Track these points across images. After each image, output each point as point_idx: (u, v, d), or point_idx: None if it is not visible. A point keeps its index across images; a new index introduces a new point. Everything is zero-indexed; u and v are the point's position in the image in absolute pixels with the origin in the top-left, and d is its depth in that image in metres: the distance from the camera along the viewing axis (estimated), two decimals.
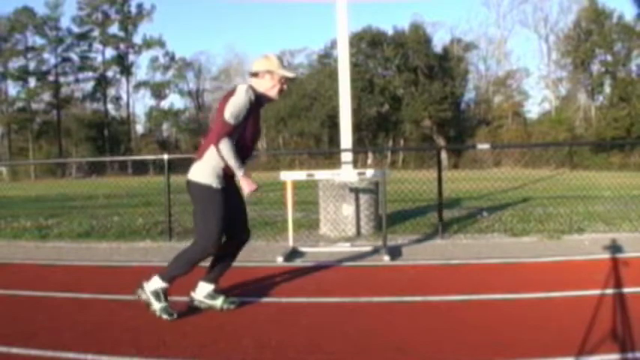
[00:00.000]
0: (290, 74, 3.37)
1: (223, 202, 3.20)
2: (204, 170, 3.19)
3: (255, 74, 3.33)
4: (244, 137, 3.22)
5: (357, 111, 33.48)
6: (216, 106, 3.33)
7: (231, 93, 3.21)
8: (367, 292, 3.74)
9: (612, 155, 32.92)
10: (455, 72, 46.66)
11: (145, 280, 3.29)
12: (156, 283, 3.25)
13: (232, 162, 3.12)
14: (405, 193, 8.03)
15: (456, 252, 5.26)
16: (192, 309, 3.48)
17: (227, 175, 3.23)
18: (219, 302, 3.40)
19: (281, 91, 3.36)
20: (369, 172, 5.59)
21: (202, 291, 3.44)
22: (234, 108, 3.12)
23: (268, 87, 3.31)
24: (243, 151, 3.25)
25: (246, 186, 3.17)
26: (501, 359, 2.49)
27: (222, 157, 3.13)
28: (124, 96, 54.28)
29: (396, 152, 44.18)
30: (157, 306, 3.21)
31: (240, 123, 3.15)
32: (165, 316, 3.17)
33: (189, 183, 3.25)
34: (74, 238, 6.82)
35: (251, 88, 3.23)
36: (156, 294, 3.23)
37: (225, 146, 3.09)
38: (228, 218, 3.25)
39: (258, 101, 3.28)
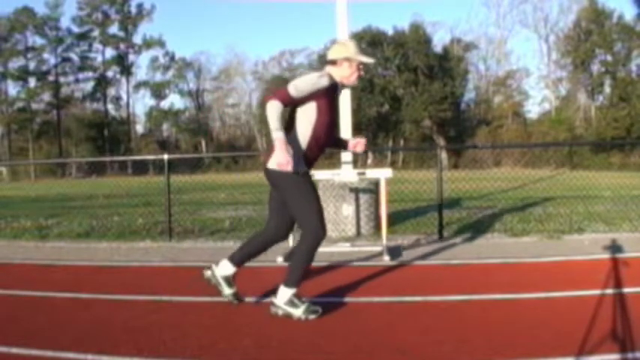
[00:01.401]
0: (368, 60, 3.28)
1: (311, 184, 3.18)
2: None
3: (332, 62, 3.24)
4: (318, 127, 3.14)
5: (357, 111, 33.49)
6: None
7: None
8: (367, 292, 3.75)
9: (612, 155, 32.92)
10: (455, 72, 46.65)
11: (274, 296, 3.22)
12: (286, 293, 3.17)
13: (274, 123, 2.95)
14: (405, 193, 8.03)
15: (456, 252, 5.26)
16: (191, 309, 3.49)
17: (307, 162, 3.19)
18: (228, 291, 3.37)
19: (359, 77, 3.29)
20: (380, 172, 5.56)
21: (222, 269, 3.40)
22: (299, 81, 3.07)
23: (346, 74, 3.24)
24: (318, 143, 3.19)
25: (281, 156, 2.92)
26: (501, 359, 2.50)
27: (267, 115, 2.99)
28: (124, 96, 54.31)
29: (396, 152, 44.18)
30: (298, 312, 3.13)
31: (302, 100, 3.05)
32: (312, 316, 3.12)
33: (269, 172, 3.16)
34: (74, 238, 6.83)
35: (328, 75, 3.14)
36: (291, 303, 3.16)
37: (274, 106, 2.96)
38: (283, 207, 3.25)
39: (334, 87, 3.20)
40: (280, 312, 3.17)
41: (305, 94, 3.03)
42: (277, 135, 2.94)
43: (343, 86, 3.32)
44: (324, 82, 3.07)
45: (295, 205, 3.13)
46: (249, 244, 3.40)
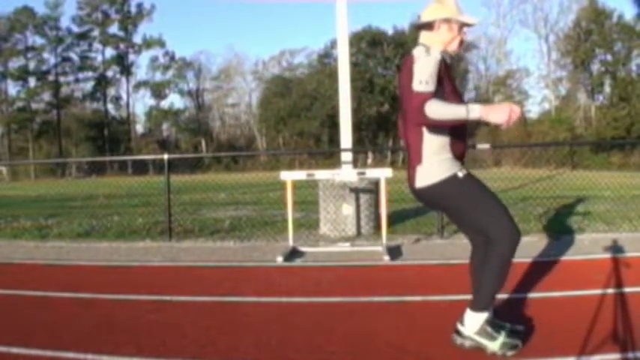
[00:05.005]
0: (472, 20, 2.63)
1: (478, 181, 2.56)
2: (435, 168, 2.50)
3: (427, 26, 2.58)
4: None
5: (357, 111, 33.49)
6: (399, 85, 2.61)
7: (409, 62, 2.47)
8: (367, 292, 3.74)
9: (612, 155, 32.88)
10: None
11: (459, 323, 2.56)
12: (475, 320, 2.51)
13: (453, 110, 2.29)
14: (405, 193, 8.01)
15: (456, 252, 5.25)
16: (191, 309, 3.48)
17: (458, 158, 2.56)
18: (495, 344, 2.53)
19: (462, 42, 2.63)
20: (380, 172, 5.60)
21: (471, 324, 2.58)
22: (418, 73, 2.36)
23: (447, 40, 2.57)
24: (459, 131, 2.54)
25: (500, 115, 2.28)
26: (501, 359, 2.49)
27: (439, 122, 2.33)
28: (124, 96, 54.29)
29: (396, 152, 44.14)
30: (494, 346, 2.48)
31: (439, 91, 2.39)
32: (510, 352, 2.47)
33: (422, 192, 2.56)
34: (74, 238, 6.82)
35: (425, 46, 2.51)
36: (484, 333, 2.50)
37: (434, 108, 2.28)
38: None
39: (445, 61, 2.51)
40: (468, 344, 2.52)
41: (435, 80, 2.38)
42: (472, 108, 2.30)
43: (450, 57, 2.61)
44: (437, 54, 2.43)
45: (474, 213, 2.51)
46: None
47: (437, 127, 2.46)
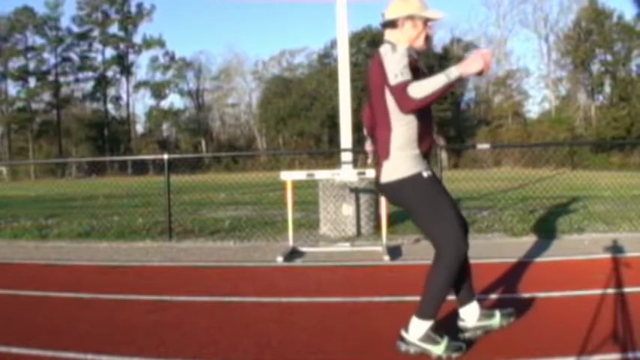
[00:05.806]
0: (436, 15, 2.60)
1: (442, 188, 2.62)
2: (401, 163, 2.52)
3: (391, 24, 2.58)
4: (420, 114, 2.50)
5: (357, 111, 33.42)
6: (367, 82, 2.62)
7: (376, 59, 2.50)
8: (367, 292, 3.74)
9: (612, 155, 32.90)
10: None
11: (403, 330, 2.56)
12: (420, 327, 2.52)
13: (438, 82, 2.32)
14: None
15: None
16: (191, 309, 3.48)
17: (424, 156, 2.59)
18: (497, 319, 2.70)
19: (427, 37, 2.62)
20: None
21: (472, 315, 2.70)
22: (394, 67, 2.37)
23: (412, 37, 2.56)
24: (427, 129, 2.57)
25: (475, 64, 2.31)
26: (501, 359, 2.49)
27: (427, 99, 2.31)
28: (124, 96, 54.32)
29: None
30: (438, 350, 2.50)
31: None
32: (455, 354, 2.50)
33: (386, 187, 2.59)
34: (74, 238, 6.83)
35: (391, 43, 2.51)
36: (428, 338, 2.51)
37: (416, 89, 2.31)
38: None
39: (413, 57, 2.52)
40: (413, 350, 2.52)
41: (409, 70, 2.38)
42: (450, 70, 2.33)
43: (417, 53, 2.61)
44: (403, 49, 2.44)
45: (429, 215, 2.53)
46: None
47: (412, 120, 2.49)
